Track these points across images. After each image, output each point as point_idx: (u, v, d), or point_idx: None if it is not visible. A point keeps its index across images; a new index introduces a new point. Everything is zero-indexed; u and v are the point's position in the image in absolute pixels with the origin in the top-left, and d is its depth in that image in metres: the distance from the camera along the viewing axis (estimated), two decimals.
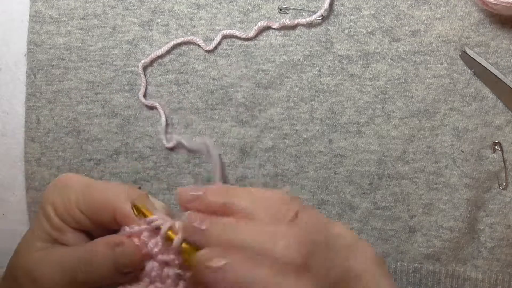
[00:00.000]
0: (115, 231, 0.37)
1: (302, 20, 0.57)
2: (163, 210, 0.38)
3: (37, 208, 0.42)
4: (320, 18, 0.58)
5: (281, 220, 0.33)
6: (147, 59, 0.59)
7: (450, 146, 0.57)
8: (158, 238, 0.35)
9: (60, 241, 0.37)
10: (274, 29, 0.58)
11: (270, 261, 0.31)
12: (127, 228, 0.36)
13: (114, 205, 0.36)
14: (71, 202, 0.36)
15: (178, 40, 0.59)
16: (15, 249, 0.39)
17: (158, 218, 0.36)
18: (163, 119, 0.59)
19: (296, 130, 0.59)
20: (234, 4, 0.59)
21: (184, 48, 0.59)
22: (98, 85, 0.60)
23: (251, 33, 0.58)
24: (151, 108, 0.60)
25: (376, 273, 0.34)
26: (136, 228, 0.36)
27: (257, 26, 0.58)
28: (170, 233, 0.35)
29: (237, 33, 0.58)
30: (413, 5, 0.57)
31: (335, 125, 0.58)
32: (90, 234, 0.38)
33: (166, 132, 0.60)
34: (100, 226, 0.37)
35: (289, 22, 0.57)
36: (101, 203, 0.36)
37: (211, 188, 0.35)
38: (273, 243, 0.31)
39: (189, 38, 0.59)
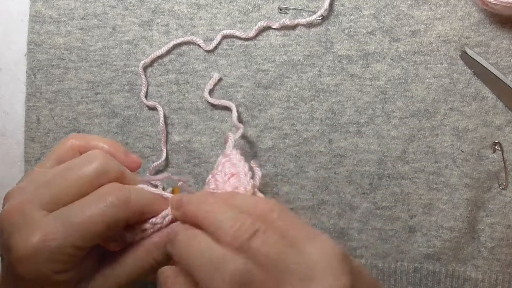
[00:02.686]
0: None
1: (302, 20, 0.57)
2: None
3: None
4: (320, 18, 0.58)
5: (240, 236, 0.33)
6: (147, 59, 0.59)
7: (450, 146, 0.57)
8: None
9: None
10: (274, 29, 0.58)
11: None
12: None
13: (113, 218, 0.38)
14: (71, 254, 0.37)
15: (178, 40, 0.59)
16: None
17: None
18: (162, 119, 0.59)
19: (296, 130, 0.59)
20: (234, 4, 0.59)
21: (184, 48, 0.59)
22: (98, 85, 0.60)
23: (251, 33, 0.58)
24: (152, 108, 0.60)
25: None
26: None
27: (257, 26, 0.58)
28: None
29: (237, 33, 0.58)
30: (413, 5, 0.57)
31: (335, 125, 0.58)
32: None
33: (166, 132, 0.60)
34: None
35: (289, 22, 0.57)
36: (97, 227, 0.37)
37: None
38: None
39: (189, 38, 0.59)
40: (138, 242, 0.39)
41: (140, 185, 0.42)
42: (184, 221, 0.37)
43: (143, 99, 0.59)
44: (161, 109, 0.59)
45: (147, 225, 0.39)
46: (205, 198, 0.37)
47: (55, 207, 0.36)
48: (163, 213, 0.40)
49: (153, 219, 0.39)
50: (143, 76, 0.59)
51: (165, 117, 0.60)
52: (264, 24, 0.58)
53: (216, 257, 0.31)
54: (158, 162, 0.58)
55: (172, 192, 0.44)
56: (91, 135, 0.43)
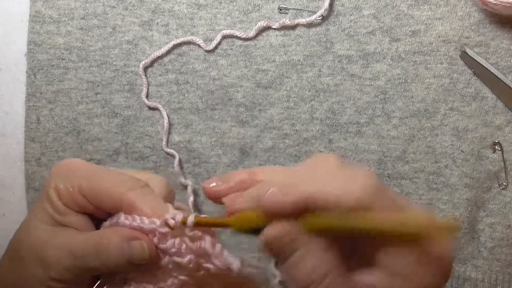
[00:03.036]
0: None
1: (302, 20, 0.57)
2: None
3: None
4: (320, 18, 0.58)
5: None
6: (148, 60, 0.59)
7: (450, 146, 0.57)
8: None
9: (63, 223, 0.37)
10: (274, 29, 0.58)
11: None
12: (136, 219, 0.36)
13: (120, 194, 0.36)
14: (74, 188, 0.36)
15: (178, 40, 0.59)
16: (17, 230, 0.39)
17: (171, 213, 0.35)
18: (166, 121, 0.59)
19: (296, 130, 0.59)
20: (234, 4, 0.59)
21: (184, 48, 0.59)
22: (98, 85, 0.60)
23: (251, 33, 0.58)
24: (153, 109, 0.60)
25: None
26: (146, 221, 0.35)
27: (257, 26, 0.58)
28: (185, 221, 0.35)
29: (237, 33, 0.58)
30: (413, 5, 0.57)
31: (335, 125, 0.58)
32: (92, 216, 0.38)
33: (168, 134, 0.60)
34: (103, 211, 0.37)
35: (289, 22, 0.57)
36: (106, 191, 0.36)
37: (233, 172, 0.36)
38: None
39: (189, 38, 0.59)
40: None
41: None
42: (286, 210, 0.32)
43: (144, 99, 0.59)
44: (164, 110, 0.59)
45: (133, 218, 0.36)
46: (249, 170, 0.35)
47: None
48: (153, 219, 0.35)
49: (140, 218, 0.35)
50: (143, 76, 0.59)
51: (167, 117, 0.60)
52: (264, 24, 0.58)
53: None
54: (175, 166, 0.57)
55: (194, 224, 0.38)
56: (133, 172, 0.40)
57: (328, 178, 0.31)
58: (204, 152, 0.60)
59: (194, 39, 0.59)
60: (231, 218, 0.33)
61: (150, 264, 0.36)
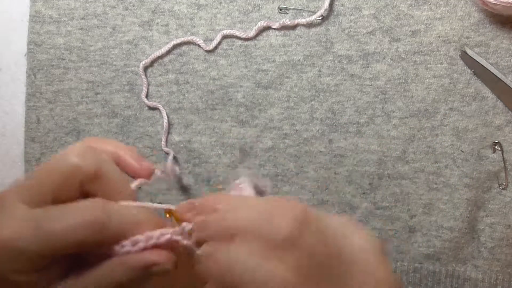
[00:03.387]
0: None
1: (302, 20, 0.57)
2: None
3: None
4: (320, 18, 0.58)
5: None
6: (147, 60, 0.59)
7: (450, 146, 0.57)
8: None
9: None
10: (274, 29, 0.58)
11: (260, 241, 0.32)
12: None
13: (84, 236, 0.34)
14: (32, 258, 0.33)
15: (178, 40, 0.59)
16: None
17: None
18: (165, 120, 0.59)
19: (296, 130, 0.59)
20: (234, 4, 0.59)
21: (184, 48, 0.59)
22: (98, 85, 0.60)
23: (251, 33, 0.58)
24: (153, 108, 0.60)
25: (372, 259, 0.34)
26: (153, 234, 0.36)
27: (257, 26, 0.58)
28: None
29: (237, 33, 0.58)
30: (413, 5, 0.57)
31: (335, 125, 0.58)
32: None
33: (167, 133, 0.60)
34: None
35: (289, 22, 0.57)
36: (64, 238, 0.34)
37: (204, 198, 0.37)
38: (266, 222, 0.33)
39: (189, 38, 0.59)
40: (121, 253, 0.35)
41: (126, 203, 0.38)
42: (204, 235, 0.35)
43: (144, 99, 0.59)
44: (163, 109, 0.59)
45: (140, 238, 0.35)
46: (229, 203, 0.36)
47: (34, 202, 0.35)
48: (162, 230, 0.36)
49: (149, 233, 0.35)
50: (143, 76, 0.59)
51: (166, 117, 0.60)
52: (264, 24, 0.58)
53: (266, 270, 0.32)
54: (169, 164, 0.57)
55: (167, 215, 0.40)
56: (109, 140, 0.41)
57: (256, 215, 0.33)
58: (204, 152, 0.60)
59: (194, 39, 0.59)
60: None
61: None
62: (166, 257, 0.35)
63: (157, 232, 0.35)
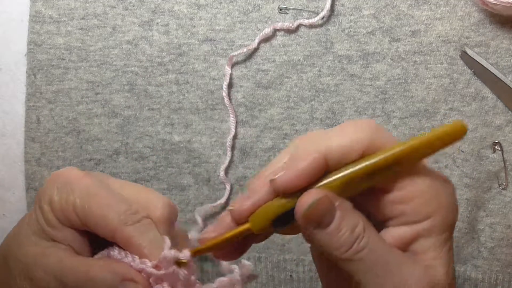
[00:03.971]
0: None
1: (305, 21, 0.57)
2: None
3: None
4: (322, 19, 0.58)
5: None
6: (236, 52, 0.58)
7: (450, 146, 0.57)
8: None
9: (54, 237, 0.35)
10: (275, 29, 0.58)
11: None
12: (128, 257, 0.34)
13: (114, 227, 0.34)
14: (69, 205, 0.34)
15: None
16: (7, 236, 0.37)
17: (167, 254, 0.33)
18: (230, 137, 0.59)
19: (296, 130, 0.59)
20: (234, 4, 0.59)
21: (184, 48, 0.59)
22: (98, 85, 0.60)
23: (255, 43, 0.58)
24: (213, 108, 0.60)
25: None
26: (137, 261, 0.33)
27: (262, 33, 0.57)
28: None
29: (245, 50, 0.58)
30: (413, 5, 0.57)
31: (335, 125, 0.58)
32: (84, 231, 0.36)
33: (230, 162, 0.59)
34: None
35: (292, 26, 0.57)
36: (101, 219, 0.34)
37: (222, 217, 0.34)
38: None
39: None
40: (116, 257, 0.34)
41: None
42: None
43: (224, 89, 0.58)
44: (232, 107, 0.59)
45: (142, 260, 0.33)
46: None
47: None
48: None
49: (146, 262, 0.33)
50: (227, 68, 0.58)
51: (166, 117, 0.60)
52: (269, 32, 0.57)
53: None
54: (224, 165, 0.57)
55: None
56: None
57: (328, 134, 0.31)
58: (204, 152, 0.60)
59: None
60: (247, 223, 0.31)
61: None
62: (142, 281, 0.33)
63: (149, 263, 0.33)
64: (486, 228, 0.58)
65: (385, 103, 0.58)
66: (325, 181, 0.30)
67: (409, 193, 0.30)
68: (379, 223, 0.32)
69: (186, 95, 0.60)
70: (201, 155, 0.60)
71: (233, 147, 0.60)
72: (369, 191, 0.31)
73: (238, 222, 0.32)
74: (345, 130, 0.30)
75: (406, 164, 0.30)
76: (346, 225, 0.30)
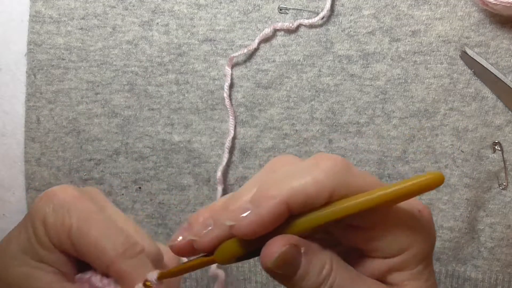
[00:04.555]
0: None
1: (305, 21, 0.57)
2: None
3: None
4: (322, 19, 0.58)
5: None
6: (236, 54, 0.58)
7: (450, 146, 0.57)
8: None
9: (43, 259, 0.34)
10: (275, 29, 0.58)
11: None
12: None
13: (111, 259, 0.32)
14: (64, 228, 0.33)
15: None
16: None
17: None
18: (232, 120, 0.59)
19: (296, 130, 0.59)
20: (234, 4, 0.59)
21: (184, 48, 0.59)
22: (98, 85, 0.60)
23: (255, 44, 0.58)
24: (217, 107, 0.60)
25: None
26: None
27: (262, 33, 0.57)
28: None
29: (245, 50, 0.58)
30: (413, 5, 0.57)
31: (335, 125, 0.58)
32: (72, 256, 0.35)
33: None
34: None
35: (292, 26, 0.57)
36: (96, 250, 0.33)
37: (193, 215, 0.32)
38: None
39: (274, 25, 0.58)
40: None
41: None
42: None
43: (226, 90, 0.59)
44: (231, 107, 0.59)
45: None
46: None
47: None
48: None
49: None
50: (228, 68, 0.58)
51: (166, 117, 0.60)
52: (269, 32, 0.57)
53: None
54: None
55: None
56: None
57: (296, 173, 0.29)
58: (204, 152, 0.60)
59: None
60: (214, 255, 0.30)
61: None
62: None
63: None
64: (486, 228, 0.58)
65: (385, 103, 0.58)
66: (291, 225, 0.28)
67: (380, 231, 0.30)
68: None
69: (186, 95, 0.60)
70: (201, 155, 0.60)
71: (232, 148, 0.60)
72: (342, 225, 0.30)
73: (180, 255, 0.31)
74: (312, 173, 0.28)
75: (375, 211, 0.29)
76: (313, 269, 0.29)
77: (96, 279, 0.33)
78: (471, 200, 0.57)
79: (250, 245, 0.29)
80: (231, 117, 0.59)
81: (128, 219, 0.36)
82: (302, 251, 0.28)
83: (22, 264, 0.34)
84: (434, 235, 0.32)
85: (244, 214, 0.28)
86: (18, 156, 0.62)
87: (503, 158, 0.57)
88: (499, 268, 0.58)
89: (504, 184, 0.57)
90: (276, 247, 0.28)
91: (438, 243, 0.58)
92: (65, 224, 0.33)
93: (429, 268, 0.31)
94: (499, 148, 0.57)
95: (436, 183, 0.28)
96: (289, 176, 0.28)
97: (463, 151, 0.57)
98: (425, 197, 0.58)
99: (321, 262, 0.29)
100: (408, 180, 0.29)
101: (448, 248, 0.58)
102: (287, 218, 0.28)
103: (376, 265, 0.31)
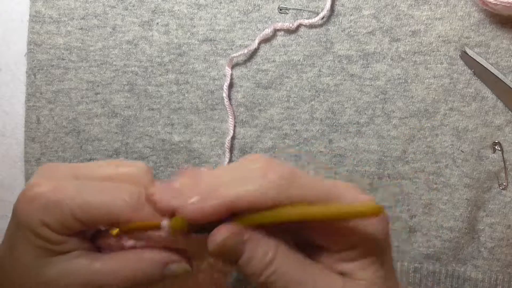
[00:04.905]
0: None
1: (305, 21, 0.57)
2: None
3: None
4: (322, 19, 0.58)
5: None
6: (235, 54, 0.58)
7: (450, 146, 0.57)
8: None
9: (62, 251, 0.34)
10: (274, 29, 0.58)
11: None
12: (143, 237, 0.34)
13: (118, 213, 0.33)
14: (67, 217, 0.33)
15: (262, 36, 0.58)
16: None
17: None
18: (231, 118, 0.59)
19: (296, 130, 0.59)
20: (234, 4, 0.59)
21: (184, 48, 0.59)
22: (98, 85, 0.60)
23: (255, 44, 0.58)
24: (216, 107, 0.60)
25: None
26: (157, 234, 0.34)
27: (262, 33, 0.57)
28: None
29: (245, 50, 0.58)
30: (413, 5, 0.57)
31: (335, 125, 0.58)
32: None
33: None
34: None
35: (292, 26, 0.57)
36: (104, 211, 0.33)
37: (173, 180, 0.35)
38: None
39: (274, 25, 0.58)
40: (127, 247, 0.35)
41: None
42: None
43: (225, 90, 0.59)
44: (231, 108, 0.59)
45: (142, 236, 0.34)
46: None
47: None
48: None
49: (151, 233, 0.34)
50: (228, 68, 0.58)
51: (166, 117, 0.60)
52: (269, 32, 0.57)
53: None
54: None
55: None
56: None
57: (244, 179, 0.32)
58: (204, 152, 0.60)
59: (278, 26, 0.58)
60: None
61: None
62: (179, 258, 0.34)
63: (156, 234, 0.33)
64: (486, 228, 0.58)
65: (385, 103, 0.58)
66: (240, 217, 0.31)
67: (330, 232, 0.33)
68: None
69: (186, 95, 0.60)
70: (201, 155, 0.60)
71: (232, 148, 0.60)
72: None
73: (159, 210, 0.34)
74: (258, 182, 0.31)
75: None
76: (256, 255, 0.32)
77: (111, 240, 0.34)
78: (471, 200, 0.57)
79: (200, 227, 0.32)
80: (231, 117, 0.59)
81: (114, 163, 0.37)
82: (245, 238, 0.31)
83: (36, 267, 0.34)
84: (384, 234, 0.34)
85: (190, 201, 0.31)
86: (18, 156, 0.62)
87: (503, 158, 0.57)
88: (499, 268, 0.58)
89: (504, 184, 0.57)
90: (219, 234, 0.31)
91: (438, 243, 0.58)
92: (66, 214, 0.33)
93: (380, 260, 0.34)
94: (499, 148, 0.57)
95: (374, 213, 0.32)
96: (240, 181, 0.31)
97: (463, 151, 0.57)
98: (425, 197, 0.58)
99: (263, 249, 0.32)
100: (348, 205, 0.32)
101: (448, 248, 0.58)
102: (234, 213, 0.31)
103: (328, 255, 0.34)
